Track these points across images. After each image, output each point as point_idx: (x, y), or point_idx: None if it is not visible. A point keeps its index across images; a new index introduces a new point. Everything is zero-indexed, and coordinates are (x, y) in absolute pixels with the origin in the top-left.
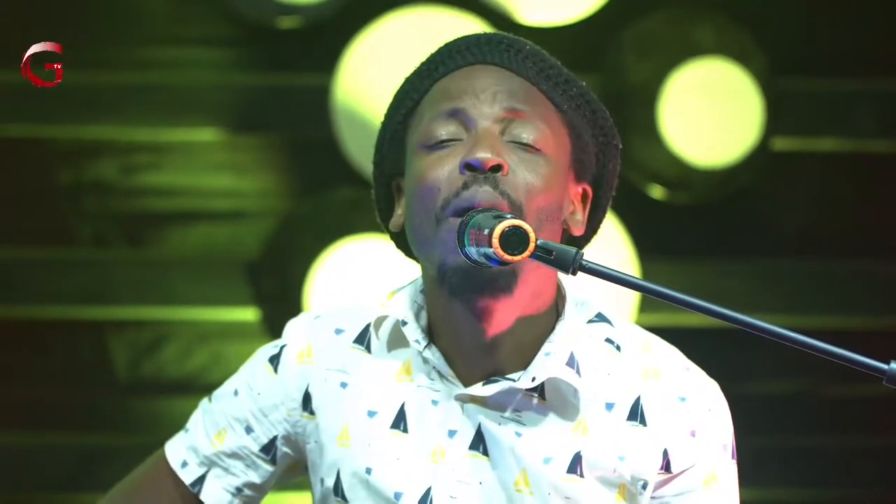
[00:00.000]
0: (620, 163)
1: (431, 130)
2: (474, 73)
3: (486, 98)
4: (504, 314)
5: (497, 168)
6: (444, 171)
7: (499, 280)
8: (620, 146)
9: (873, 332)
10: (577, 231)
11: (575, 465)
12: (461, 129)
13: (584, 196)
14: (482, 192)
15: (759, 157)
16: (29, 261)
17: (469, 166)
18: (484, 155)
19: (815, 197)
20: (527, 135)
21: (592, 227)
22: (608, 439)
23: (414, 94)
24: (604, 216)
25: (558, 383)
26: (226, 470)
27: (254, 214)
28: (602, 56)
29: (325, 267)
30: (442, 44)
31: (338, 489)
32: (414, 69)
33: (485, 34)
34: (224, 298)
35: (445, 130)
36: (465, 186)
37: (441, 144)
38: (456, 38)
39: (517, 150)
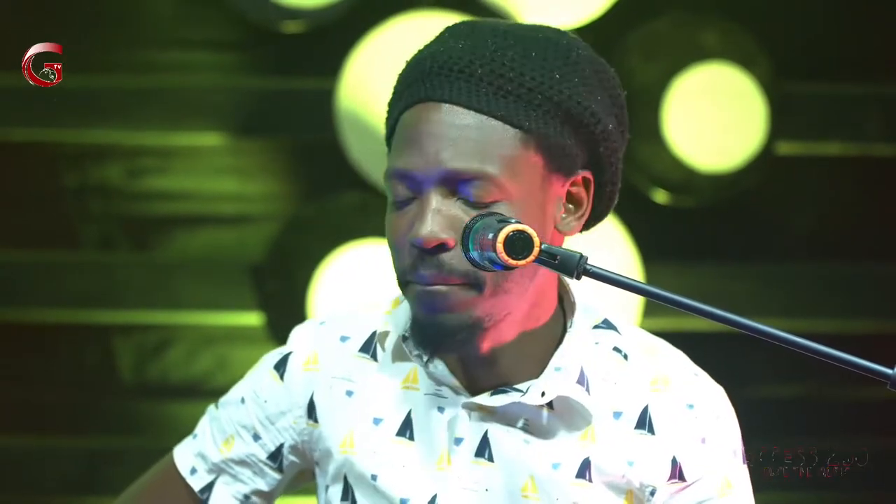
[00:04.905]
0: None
1: (390, 187)
2: (423, 119)
3: (432, 158)
4: (494, 339)
5: (440, 246)
6: (400, 237)
7: (458, 337)
8: (611, 126)
9: (879, 335)
10: (573, 232)
11: (584, 471)
12: (412, 190)
13: (586, 183)
14: (429, 276)
15: (764, 161)
16: (34, 264)
17: (414, 245)
18: (425, 233)
19: (820, 201)
20: (478, 194)
21: (605, 206)
22: (616, 446)
23: (392, 114)
24: (616, 191)
25: (567, 397)
26: (234, 477)
27: (259, 218)
28: (607, 59)
29: (330, 271)
30: (428, 43)
31: (345, 496)
32: (401, 72)
33: (442, 53)
34: (229, 302)
35: (399, 190)
36: (414, 266)
37: (399, 204)
38: (428, 44)
39: (469, 209)
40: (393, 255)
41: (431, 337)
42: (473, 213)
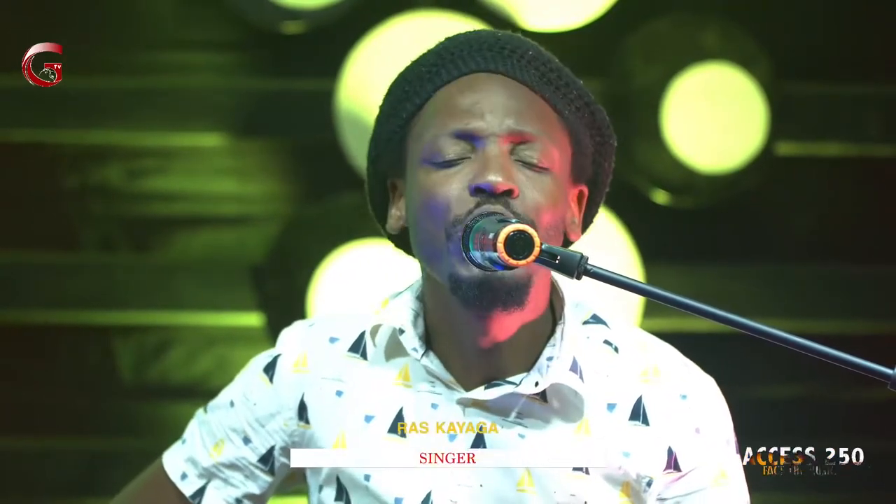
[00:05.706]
0: (616, 161)
1: (438, 148)
2: (479, 86)
3: (495, 118)
4: (511, 323)
5: (508, 192)
6: (452, 189)
7: (514, 293)
8: (615, 144)
9: (879, 335)
10: (575, 236)
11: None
12: (469, 147)
13: (580, 196)
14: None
15: (764, 161)
16: (35, 265)
17: (479, 190)
18: (495, 178)
19: (820, 201)
20: (534, 156)
21: (585, 224)
22: (612, 438)
23: (416, 98)
24: (596, 212)
25: (561, 387)
26: (225, 481)
27: (259, 219)
28: (607, 61)
29: (330, 271)
30: (441, 42)
31: (338, 497)
32: (411, 69)
33: (486, 35)
34: (229, 303)
35: (453, 150)
36: (478, 206)
37: (449, 163)
38: (455, 36)
39: (524, 169)
40: (438, 210)
41: (487, 294)
42: (529, 173)
